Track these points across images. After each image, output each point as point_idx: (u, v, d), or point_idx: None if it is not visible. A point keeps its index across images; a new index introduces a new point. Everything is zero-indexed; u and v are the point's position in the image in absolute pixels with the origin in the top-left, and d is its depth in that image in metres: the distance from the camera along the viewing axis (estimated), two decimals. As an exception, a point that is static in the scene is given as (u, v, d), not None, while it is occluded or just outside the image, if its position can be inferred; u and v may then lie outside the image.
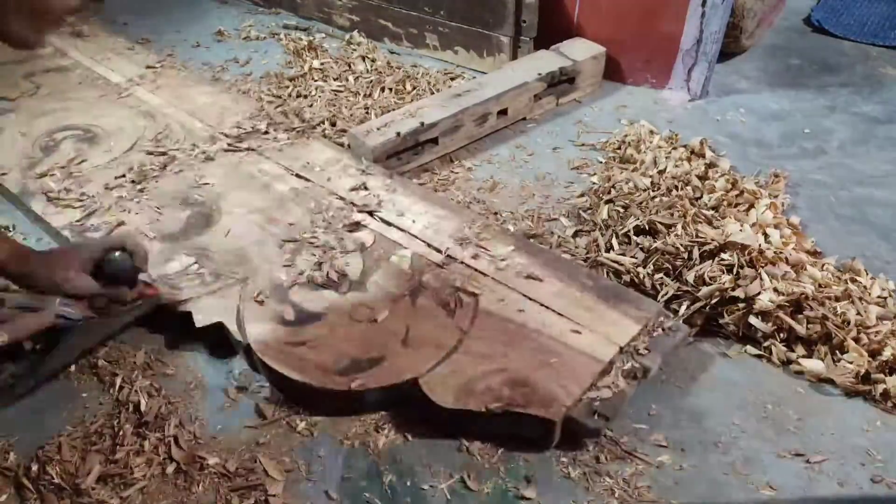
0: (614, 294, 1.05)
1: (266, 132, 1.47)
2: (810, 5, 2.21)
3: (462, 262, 1.11)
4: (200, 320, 1.01)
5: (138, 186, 1.31)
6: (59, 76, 1.73)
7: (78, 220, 1.22)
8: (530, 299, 1.04)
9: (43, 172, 1.35)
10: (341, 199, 1.26)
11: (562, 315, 1.01)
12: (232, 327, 1.00)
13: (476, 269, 1.10)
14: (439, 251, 1.13)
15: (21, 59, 1.77)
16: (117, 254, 0.96)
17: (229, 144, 1.43)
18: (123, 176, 1.34)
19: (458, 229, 1.18)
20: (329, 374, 0.93)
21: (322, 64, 1.86)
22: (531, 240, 1.22)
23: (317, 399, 0.94)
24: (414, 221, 1.20)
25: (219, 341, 1.04)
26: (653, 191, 1.28)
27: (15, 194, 1.31)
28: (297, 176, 1.33)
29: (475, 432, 0.92)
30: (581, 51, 1.72)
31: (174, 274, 1.10)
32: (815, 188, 1.42)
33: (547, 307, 1.02)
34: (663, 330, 1.00)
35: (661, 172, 1.35)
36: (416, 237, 1.17)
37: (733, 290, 1.05)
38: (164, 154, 1.40)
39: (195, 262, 1.13)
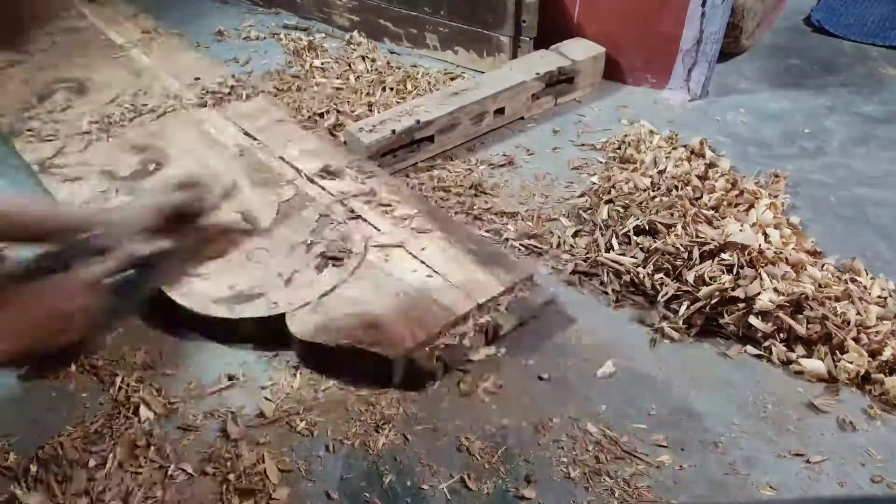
0: (492, 259, 1.12)
1: (230, 94, 1.61)
2: (810, 5, 2.21)
3: (364, 219, 1.20)
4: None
5: (106, 133, 1.47)
6: (73, 35, 1.90)
7: (49, 157, 1.40)
8: (413, 256, 1.12)
9: (31, 116, 1.53)
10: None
11: (436, 272, 1.09)
12: None
13: (372, 225, 1.19)
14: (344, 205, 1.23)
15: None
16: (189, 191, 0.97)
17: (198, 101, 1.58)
18: (96, 122, 1.50)
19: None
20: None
21: (322, 64, 1.86)
22: (530, 240, 1.22)
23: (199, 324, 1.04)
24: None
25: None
26: (653, 191, 1.28)
27: (3, 134, 1.50)
28: (246, 134, 1.46)
29: (330, 367, 1.00)
30: (580, 51, 1.72)
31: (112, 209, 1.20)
32: (815, 188, 1.42)
33: (424, 263, 1.11)
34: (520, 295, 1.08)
35: (661, 172, 1.35)
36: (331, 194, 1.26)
37: (733, 290, 1.05)
38: (134, 107, 1.56)
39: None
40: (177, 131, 1.47)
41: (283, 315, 1.02)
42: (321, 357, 1.00)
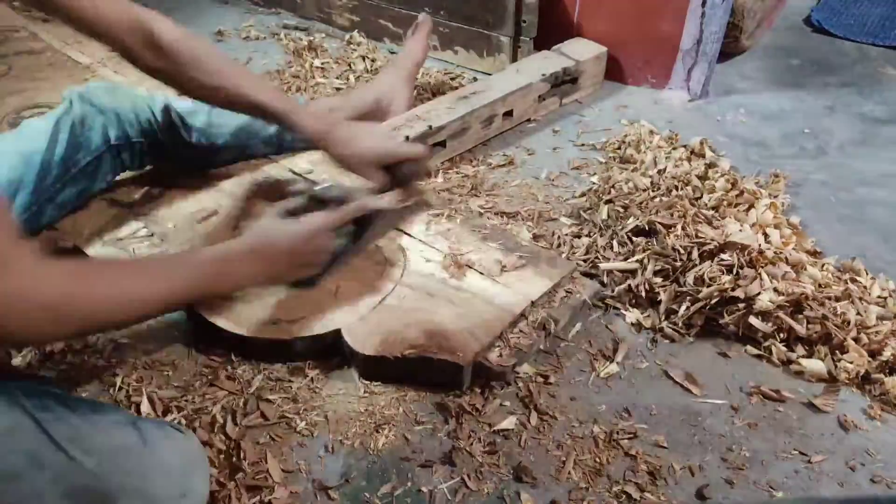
0: (534, 255, 1.13)
1: None
2: (810, 5, 2.21)
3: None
4: None
5: None
6: (31, 58, 1.82)
7: None
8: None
9: None
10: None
11: (481, 274, 1.10)
12: None
13: (406, 233, 1.18)
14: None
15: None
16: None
17: None
18: None
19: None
20: (265, 324, 1.01)
21: (322, 64, 1.86)
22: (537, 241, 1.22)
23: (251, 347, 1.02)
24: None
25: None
26: (652, 191, 1.28)
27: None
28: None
29: (393, 376, 0.99)
30: (583, 51, 1.72)
31: (125, 237, 1.17)
32: (815, 188, 1.42)
33: (471, 266, 1.12)
34: (569, 292, 1.10)
35: (660, 172, 1.35)
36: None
37: (733, 290, 1.05)
38: None
39: (144, 227, 1.20)
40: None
41: (338, 330, 0.99)
42: (385, 369, 0.98)
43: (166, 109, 1.24)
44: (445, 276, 1.08)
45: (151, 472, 0.72)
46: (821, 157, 1.53)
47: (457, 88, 1.66)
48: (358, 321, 1.00)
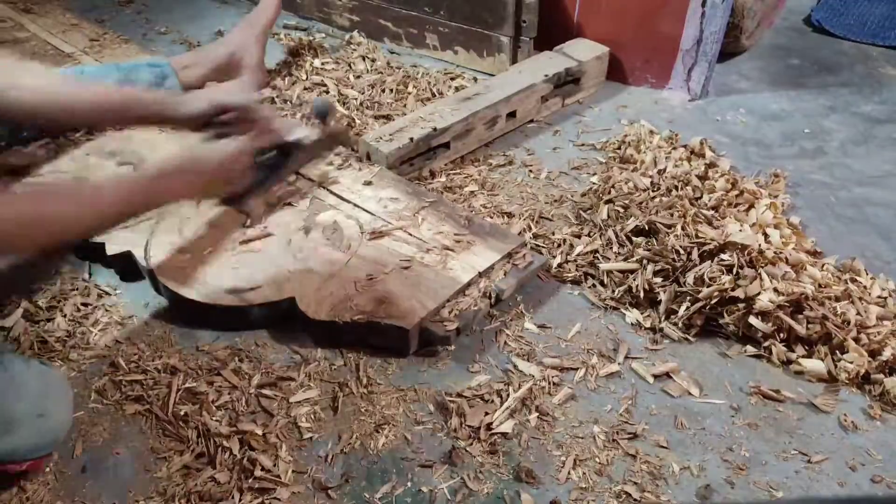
0: (484, 229, 1.20)
1: None
2: (810, 5, 2.21)
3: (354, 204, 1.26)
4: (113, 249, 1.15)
5: (74, 142, 1.42)
6: (16, 47, 1.88)
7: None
8: (412, 236, 1.19)
9: None
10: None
11: (435, 246, 1.16)
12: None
13: (365, 209, 1.24)
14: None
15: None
16: (323, 96, 1.35)
17: None
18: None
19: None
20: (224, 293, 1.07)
21: (322, 64, 1.86)
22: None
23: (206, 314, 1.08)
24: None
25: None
26: (652, 191, 1.28)
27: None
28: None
29: (346, 341, 1.06)
30: (585, 51, 1.72)
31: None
32: (815, 188, 1.42)
33: (421, 239, 1.18)
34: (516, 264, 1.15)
35: (660, 172, 1.35)
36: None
37: (733, 290, 1.06)
38: None
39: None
40: (146, 134, 1.43)
41: (293, 298, 1.05)
42: (336, 335, 1.05)
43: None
44: (398, 249, 1.15)
45: (10, 394, 0.79)
46: (821, 157, 1.53)
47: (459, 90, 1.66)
48: (312, 290, 1.07)
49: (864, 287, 1.12)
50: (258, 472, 0.87)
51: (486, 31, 1.79)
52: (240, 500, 0.85)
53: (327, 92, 1.67)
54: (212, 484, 0.86)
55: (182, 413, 0.95)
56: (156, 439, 0.93)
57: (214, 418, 0.94)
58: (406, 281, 1.09)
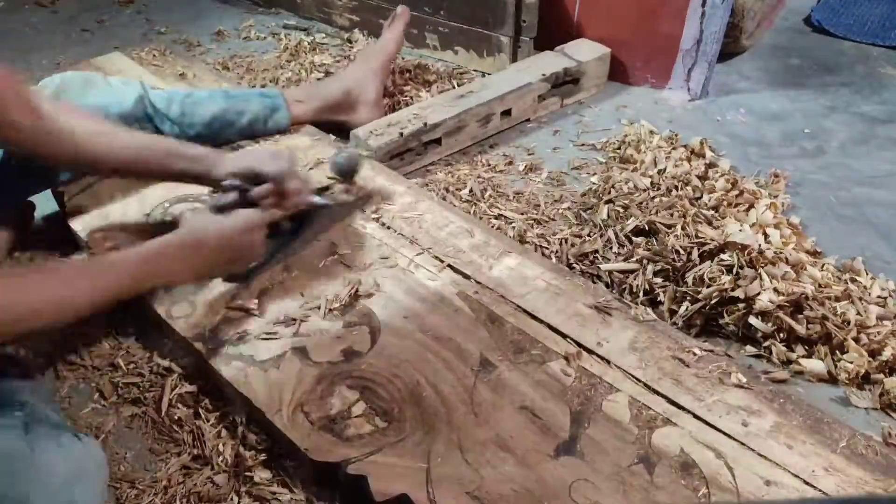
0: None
1: None
2: (810, 5, 2.21)
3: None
4: None
5: None
6: None
7: None
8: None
9: None
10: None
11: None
12: None
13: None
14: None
15: None
16: (347, 149, 1.17)
17: None
18: None
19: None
20: None
21: (322, 63, 1.86)
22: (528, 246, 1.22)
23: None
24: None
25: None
26: (652, 191, 1.28)
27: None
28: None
29: None
30: (585, 52, 1.72)
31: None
32: (815, 188, 1.42)
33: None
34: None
35: (660, 172, 1.35)
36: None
37: (733, 290, 1.05)
38: None
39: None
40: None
41: None
42: None
43: (140, 100, 1.23)
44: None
45: (33, 479, 0.70)
46: (821, 157, 1.53)
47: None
48: None
49: (864, 287, 1.12)
50: (256, 479, 0.87)
51: (486, 31, 1.79)
52: (238, 502, 0.84)
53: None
54: (210, 485, 0.86)
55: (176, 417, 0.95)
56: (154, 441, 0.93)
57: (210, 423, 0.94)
58: None
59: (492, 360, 0.92)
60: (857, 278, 1.14)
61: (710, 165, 1.38)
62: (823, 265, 1.16)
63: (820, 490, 0.78)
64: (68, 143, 0.96)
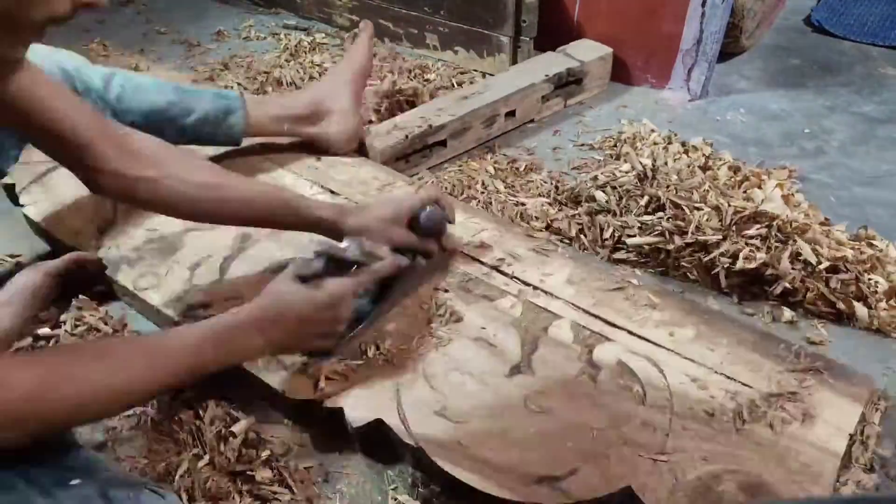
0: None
1: None
2: (810, 5, 2.21)
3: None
4: None
5: None
6: None
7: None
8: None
9: None
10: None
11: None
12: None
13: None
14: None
15: None
16: (431, 207, 1.01)
17: None
18: None
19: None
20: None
21: (322, 63, 1.86)
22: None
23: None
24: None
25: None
26: (653, 177, 1.26)
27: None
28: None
29: None
30: (587, 52, 1.72)
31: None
32: (815, 188, 1.42)
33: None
34: None
35: (662, 166, 1.34)
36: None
37: (765, 261, 1.08)
38: None
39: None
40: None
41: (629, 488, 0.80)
42: None
43: (67, 75, 1.08)
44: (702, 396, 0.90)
45: None
46: (821, 157, 1.53)
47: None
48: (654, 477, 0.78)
49: (881, 250, 1.15)
50: (257, 478, 0.86)
51: (486, 31, 1.79)
52: (240, 501, 0.84)
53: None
54: (211, 485, 0.86)
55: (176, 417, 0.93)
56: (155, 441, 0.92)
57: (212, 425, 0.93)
58: (764, 453, 0.79)
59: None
60: (874, 242, 1.17)
61: (710, 156, 1.38)
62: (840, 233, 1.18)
63: (741, 382, 0.88)
64: (180, 200, 0.92)
